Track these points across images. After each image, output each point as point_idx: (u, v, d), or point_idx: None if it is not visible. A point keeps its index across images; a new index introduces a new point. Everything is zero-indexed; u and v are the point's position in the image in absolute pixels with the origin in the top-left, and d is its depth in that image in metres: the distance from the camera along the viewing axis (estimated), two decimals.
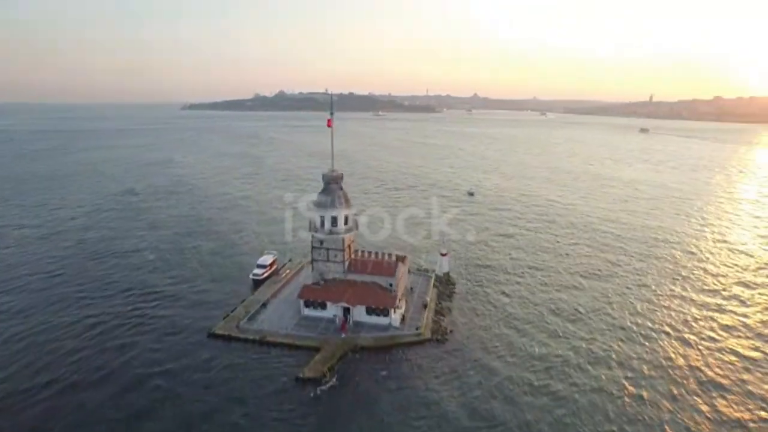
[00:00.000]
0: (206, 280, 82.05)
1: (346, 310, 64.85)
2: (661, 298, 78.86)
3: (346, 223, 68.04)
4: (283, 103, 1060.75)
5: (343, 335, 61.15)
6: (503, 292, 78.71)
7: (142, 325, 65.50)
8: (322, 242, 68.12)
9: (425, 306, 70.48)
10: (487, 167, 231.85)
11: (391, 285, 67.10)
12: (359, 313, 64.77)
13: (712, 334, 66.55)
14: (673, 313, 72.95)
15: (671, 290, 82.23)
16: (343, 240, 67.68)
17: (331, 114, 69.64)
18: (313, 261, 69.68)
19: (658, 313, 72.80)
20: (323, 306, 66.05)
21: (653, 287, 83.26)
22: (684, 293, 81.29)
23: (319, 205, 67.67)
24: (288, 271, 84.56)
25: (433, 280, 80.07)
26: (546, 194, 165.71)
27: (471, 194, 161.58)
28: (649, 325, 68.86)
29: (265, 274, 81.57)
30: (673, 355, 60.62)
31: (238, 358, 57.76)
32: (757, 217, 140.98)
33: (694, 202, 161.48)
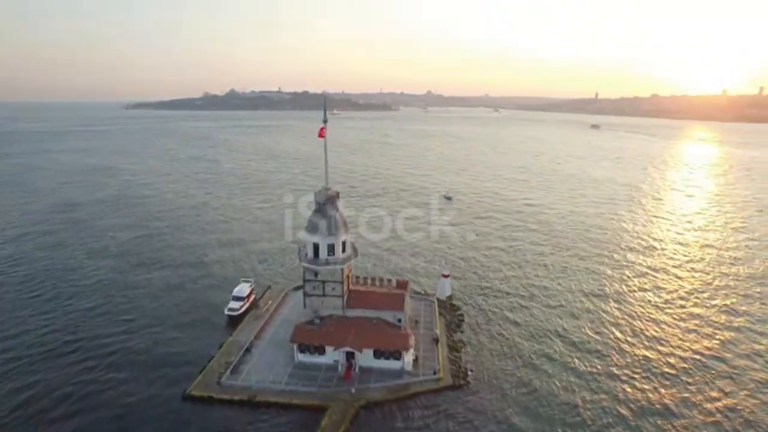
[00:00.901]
0: (170, 324, 67.95)
1: (350, 355, 54.74)
2: (689, 321, 73.72)
3: (344, 250, 57.82)
4: (235, 102, 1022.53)
5: (352, 390, 50.96)
6: (512, 321, 70.48)
7: (92, 396, 51.25)
8: (316, 274, 57.59)
9: (436, 341, 61.46)
10: (457, 168, 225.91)
11: (399, 320, 57.71)
12: (366, 358, 54.84)
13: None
14: (708, 338, 67.71)
15: (698, 312, 77.44)
16: (342, 271, 57.50)
17: (325, 121, 59.01)
18: (305, 296, 58.94)
19: (693, 343, 67.27)
20: (321, 350, 55.63)
21: (670, 306, 78.21)
22: (707, 315, 76.65)
23: (312, 230, 57.00)
24: (270, 302, 73.21)
25: (436, 307, 71.23)
26: (525, 197, 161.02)
27: (448, 198, 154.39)
28: (684, 359, 63.03)
29: (243, 308, 69.98)
30: (721, 396, 54.67)
31: (223, 425, 46.57)
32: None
33: (664, 202, 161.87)
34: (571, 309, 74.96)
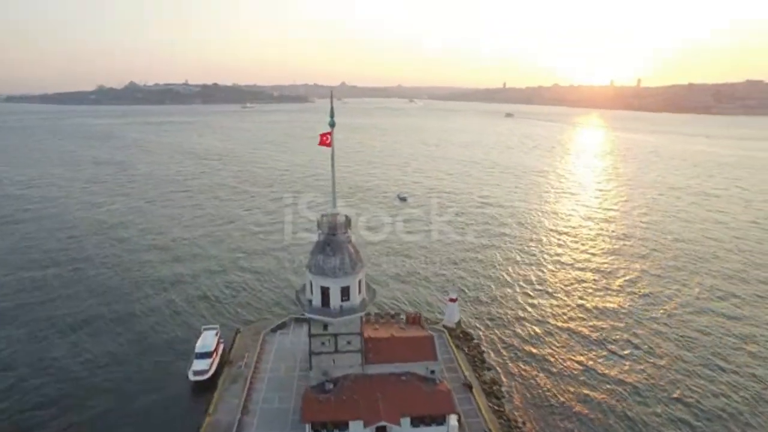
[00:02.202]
0: (111, 410, 49.76)
1: (381, 429, 42.30)
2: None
3: (359, 290, 44.88)
4: (136, 95, 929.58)
5: None
6: (537, 352, 61.78)
7: None
8: (326, 326, 44.12)
9: (470, 387, 50.87)
10: (398, 164, 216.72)
11: (433, 372, 46.21)
12: (403, 429, 42.70)
13: None
14: None
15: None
16: (361, 319, 44.66)
17: (332, 125, 44.49)
18: (311, 354, 45.19)
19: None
20: (343, 426, 42.51)
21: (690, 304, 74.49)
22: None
23: (318, 270, 43.22)
24: (246, 354, 57.87)
25: (449, 339, 60.62)
26: (480, 194, 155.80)
27: (403, 199, 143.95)
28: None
29: (212, 367, 54.20)
30: None
31: None
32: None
33: (609, 189, 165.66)
34: (593, 332, 68.25)
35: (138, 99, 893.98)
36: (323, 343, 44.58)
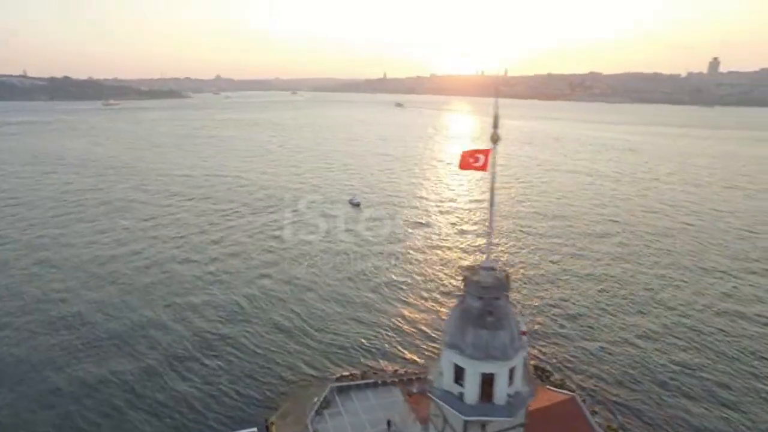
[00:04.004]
0: None
1: None
2: None
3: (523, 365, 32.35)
4: None
5: None
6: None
7: None
8: (484, 425, 30.88)
9: None
10: (324, 163, 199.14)
11: None
12: None
13: None
14: None
15: None
16: (527, 408, 32.24)
17: (495, 141, 30.06)
18: None
19: None
20: None
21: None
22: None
23: (478, 352, 29.50)
24: None
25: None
26: (433, 193, 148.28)
27: (356, 205, 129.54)
28: None
29: None
30: None
31: None
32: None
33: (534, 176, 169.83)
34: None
35: None
36: None
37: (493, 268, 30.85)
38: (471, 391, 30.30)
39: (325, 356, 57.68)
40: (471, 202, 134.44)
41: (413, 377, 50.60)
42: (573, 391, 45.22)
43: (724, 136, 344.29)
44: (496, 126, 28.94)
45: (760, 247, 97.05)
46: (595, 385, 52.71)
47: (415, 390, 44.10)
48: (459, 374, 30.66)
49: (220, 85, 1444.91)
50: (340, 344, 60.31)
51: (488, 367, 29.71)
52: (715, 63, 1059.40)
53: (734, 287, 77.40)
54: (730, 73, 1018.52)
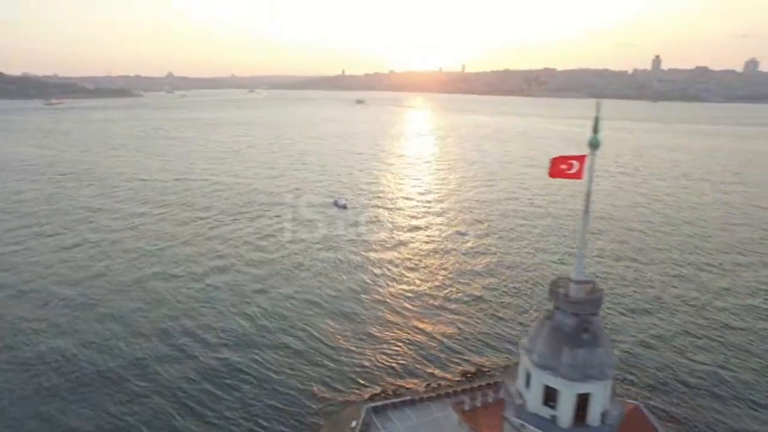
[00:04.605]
0: None
1: None
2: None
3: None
4: None
5: None
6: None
7: None
8: None
9: None
10: (302, 164, 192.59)
11: None
12: None
13: None
14: None
15: None
16: None
17: (595, 144, 27.54)
18: None
19: None
20: None
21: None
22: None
23: (574, 372, 27.55)
24: None
25: None
26: (417, 195, 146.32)
27: (342, 207, 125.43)
28: None
29: None
30: None
31: None
32: None
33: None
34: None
35: None
36: None
37: (587, 282, 28.91)
38: (565, 413, 28.39)
39: (346, 376, 53.96)
40: (461, 200, 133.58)
41: (450, 391, 48.47)
42: (635, 399, 44.18)
43: (676, 129, 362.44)
44: (596, 130, 26.78)
45: None
46: (652, 392, 51.70)
47: (467, 407, 41.89)
48: (550, 396, 28.69)
49: (173, 84, 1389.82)
50: (359, 362, 56.59)
51: (585, 388, 27.89)
52: (657, 61, 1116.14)
53: None
54: (671, 70, 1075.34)
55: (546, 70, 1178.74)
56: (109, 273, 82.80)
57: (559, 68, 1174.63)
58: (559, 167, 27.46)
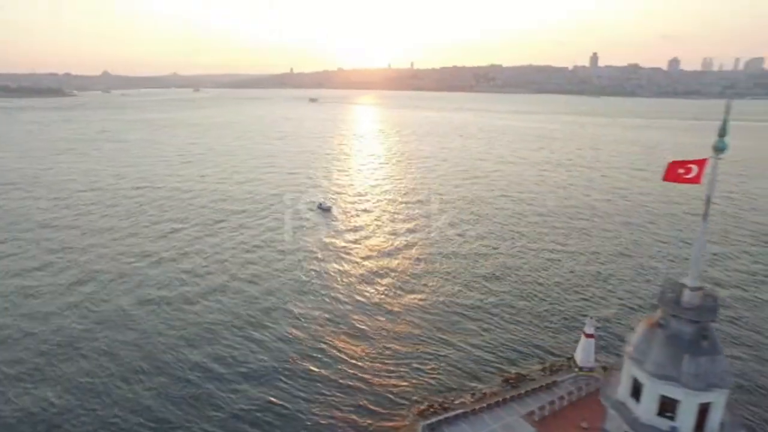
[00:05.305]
0: None
1: None
2: None
3: None
4: None
5: None
6: None
7: None
8: None
9: None
10: (272, 167, 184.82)
11: None
12: None
13: None
14: None
15: None
16: None
17: (722, 147, 26.07)
18: None
19: None
20: None
21: None
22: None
23: (697, 381, 26.61)
24: None
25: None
26: (401, 198, 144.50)
27: (327, 209, 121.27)
28: None
29: None
30: None
31: None
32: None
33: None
34: None
35: None
36: None
37: (701, 288, 28.07)
38: (686, 424, 27.46)
39: (384, 398, 50.07)
40: (448, 199, 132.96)
41: (500, 399, 47.13)
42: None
43: (620, 123, 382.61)
44: (723, 134, 25.73)
45: None
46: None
47: (536, 417, 40.65)
48: (666, 407, 27.68)
49: (109, 83, 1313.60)
50: (392, 381, 52.73)
51: (707, 397, 27.05)
52: (594, 58, 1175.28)
53: None
54: (607, 67, 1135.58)
55: (493, 66, 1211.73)
56: (83, 302, 71.84)
57: (505, 65, 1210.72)
58: (677, 171, 26.45)
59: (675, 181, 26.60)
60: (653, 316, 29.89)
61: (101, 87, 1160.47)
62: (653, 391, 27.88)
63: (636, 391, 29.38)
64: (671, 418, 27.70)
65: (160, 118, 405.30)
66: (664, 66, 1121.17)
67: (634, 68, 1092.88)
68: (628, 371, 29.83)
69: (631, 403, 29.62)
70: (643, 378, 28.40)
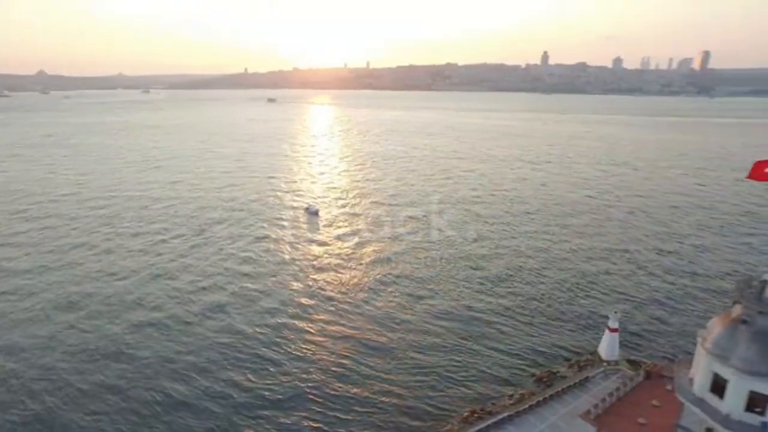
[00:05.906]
0: None
1: None
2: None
3: None
4: None
5: None
6: None
7: None
8: None
9: None
10: (248, 171, 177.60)
11: None
12: None
13: None
14: None
15: None
16: None
17: None
18: None
19: None
20: None
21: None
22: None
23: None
24: None
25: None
26: (385, 201, 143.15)
27: (314, 213, 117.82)
28: None
29: None
30: None
31: None
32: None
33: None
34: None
35: None
36: None
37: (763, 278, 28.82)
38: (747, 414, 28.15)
39: (421, 410, 48.63)
40: (443, 200, 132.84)
41: (540, 399, 47.16)
42: None
43: (578, 119, 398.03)
44: None
45: None
46: None
47: (592, 416, 40.77)
48: (758, 402, 28.24)
49: (46, 82, 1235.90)
50: (422, 393, 51.08)
51: None
52: (545, 56, 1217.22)
53: None
54: (557, 65, 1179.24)
55: (448, 65, 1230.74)
56: (61, 333, 64.42)
57: (460, 63, 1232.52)
58: (763, 170, 26.99)
59: (761, 179, 27.17)
60: (732, 311, 30.51)
61: (38, 87, 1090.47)
62: (741, 387, 28.37)
63: (716, 386, 29.87)
64: (761, 413, 28.28)
65: (115, 121, 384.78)
66: (609, 64, 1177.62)
67: (583, 66, 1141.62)
68: (708, 367, 30.27)
69: (712, 399, 30.08)
70: (727, 374, 28.86)
